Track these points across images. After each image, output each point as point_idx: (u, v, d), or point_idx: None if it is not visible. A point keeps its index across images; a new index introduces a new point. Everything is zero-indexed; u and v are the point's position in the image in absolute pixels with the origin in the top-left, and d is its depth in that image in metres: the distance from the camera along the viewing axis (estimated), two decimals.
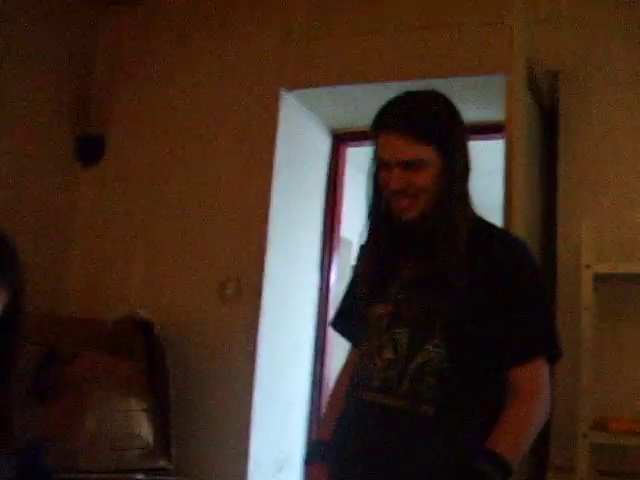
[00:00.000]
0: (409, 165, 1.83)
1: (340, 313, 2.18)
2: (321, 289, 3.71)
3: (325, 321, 3.66)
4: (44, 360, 2.89)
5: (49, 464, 2.14)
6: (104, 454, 2.75)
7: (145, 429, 2.84)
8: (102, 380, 2.85)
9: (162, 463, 2.87)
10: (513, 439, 1.75)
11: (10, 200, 3.27)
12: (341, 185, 3.83)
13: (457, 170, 1.86)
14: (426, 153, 1.83)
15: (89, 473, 2.72)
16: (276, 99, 3.37)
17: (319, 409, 3.58)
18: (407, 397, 1.80)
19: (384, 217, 1.97)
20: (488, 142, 2.99)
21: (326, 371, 3.65)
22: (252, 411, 3.15)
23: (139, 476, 2.73)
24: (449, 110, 1.90)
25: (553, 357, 1.86)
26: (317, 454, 2.03)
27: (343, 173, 3.85)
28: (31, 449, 1.99)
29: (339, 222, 3.83)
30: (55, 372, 2.85)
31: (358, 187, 4.14)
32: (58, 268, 3.58)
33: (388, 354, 1.85)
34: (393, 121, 1.86)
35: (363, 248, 2.04)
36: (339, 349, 3.98)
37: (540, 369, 1.81)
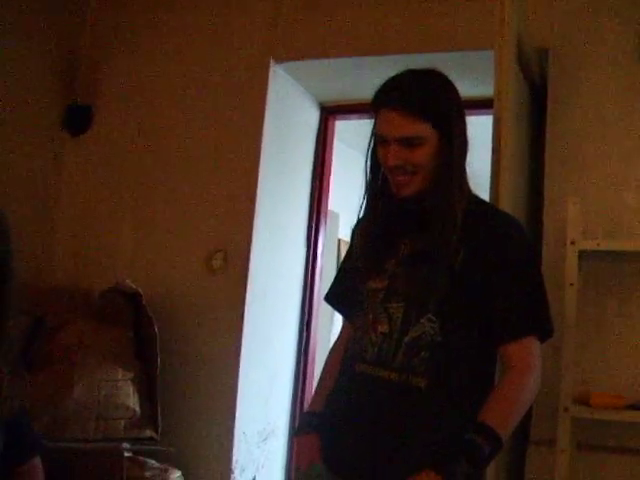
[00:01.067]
0: (407, 142, 1.85)
1: (335, 287, 2.20)
2: (308, 261, 3.73)
3: (311, 293, 3.69)
4: (32, 329, 2.90)
5: (37, 432, 2.16)
6: (91, 423, 2.78)
7: (132, 398, 2.86)
8: (89, 349, 2.87)
9: (149, 432, 2.89)
10: (504, 413, 1.78)
11: None
12: (329, 158, 3.84)
13: (455, 148, 1.87)
14: (424, 130, 1.84)
15: (76, 442, 2.74)
16: (265, 71, 3.36)
17: (304, 380, 3.61)
18: (400, 370, 1.83)
19: (381, 192, 1.98)
20: (480, 118, 2.99)
21: (311, 342, 3.68)
22: (238, 381, 3.18)
23: (126, 445, 2.76)
24: (448, 88, 1.92)
25: (544, 334, 1.89)
26: (309, 425, 2.05)
27: (331, 146, 3.85)
28: (19, 417, 2.00)
29: (326, 195, 3.83)
30: (43, 341, 2.87)
31: (345, 160, 4.17)
32: (46, 238, 3.58)
33: (383, 328, 1.88)
34: (392, 98, 1.87)
35: (359, 223, 2.06)
36: (325, 321, 4.02)
37: (532, 346, 1.84)
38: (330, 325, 4.54)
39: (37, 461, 2.07)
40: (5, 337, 1.90)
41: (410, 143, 1.85)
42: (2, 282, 1.81)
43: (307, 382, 3.60)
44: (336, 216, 4.69)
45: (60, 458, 2.56)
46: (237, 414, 3.17)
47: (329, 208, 3.93)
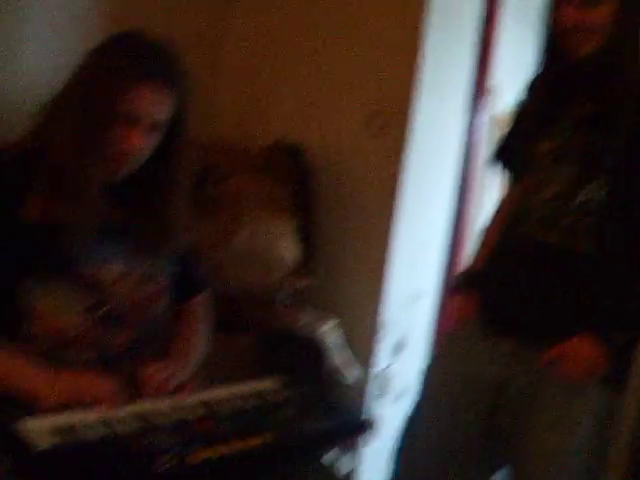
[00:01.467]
0: (586, 1, 1.79)
1: (503, 145, 2.18)
2: (467, 133, 3.67)
3: (469, 164, 3.64)
4: (198, 178, 3.01)
5: (205, 273, 2.28)
6: (249, 272, 2.88)
7: (290, 249, 2.93)
8: (251, 201, 2.95)
9: (305, 282, 2.98)
10: None
11: (160, 25, 3.30)
12: (495, 27, 3.71)
13: (636, 9, 1.80)
14: None
15: (235, 289, 2.87)
16: None
17: (456, 248, 3.62)
18: (566, 233, 1.82)
19: (555, 54, 1.93)
20: None
21: (465, 212, 3.66)
22: (390, 243, 3.24)
23: (284, 293, 2.87)
24: None
25: None
26: (467, 282, 2.08)
27: (497, 15, 3.71)
28: (192, 253, 2.12)
29: (490, 65, 3.73)
30: (209, 190, 2.98)
31: (512, 32, 4.01)
32: (209, 94, 3.65)
33: (551, 190, 1.86)
34: None
35: (532, 84, 2.02)
36: (480, 189, 3.98)
37: None
38: (486, 192, 4.50)
39: (208, 294, 2.20)
40: (181, 176, 1.98)
41: (589, 2, 1.79)
42: (180, 119, 1.88)
43: (459, 250, 3.61)
44: (498, 89, 4.57)
45: (218, 305, 2.71)
46: (387, 275, 3.25)
47: (492, 82, 3.83)
